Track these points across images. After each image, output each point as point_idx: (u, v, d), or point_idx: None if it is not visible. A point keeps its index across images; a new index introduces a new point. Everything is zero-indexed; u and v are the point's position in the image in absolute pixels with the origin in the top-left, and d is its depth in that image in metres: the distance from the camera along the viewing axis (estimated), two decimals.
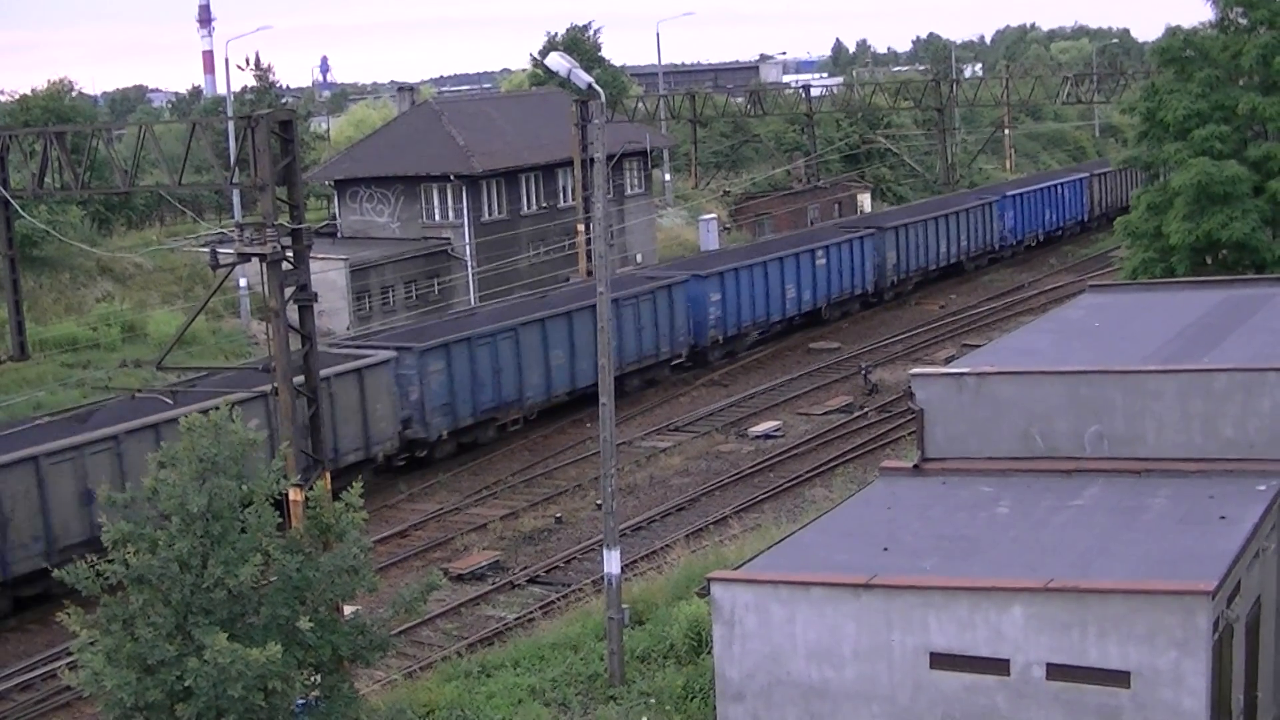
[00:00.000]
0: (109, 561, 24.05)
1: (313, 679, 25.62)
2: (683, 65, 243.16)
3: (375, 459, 51.00)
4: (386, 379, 51.29)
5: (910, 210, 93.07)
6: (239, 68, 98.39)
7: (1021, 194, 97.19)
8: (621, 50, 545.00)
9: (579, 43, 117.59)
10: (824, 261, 75.46)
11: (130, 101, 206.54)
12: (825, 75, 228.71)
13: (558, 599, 40.00)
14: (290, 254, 34.22)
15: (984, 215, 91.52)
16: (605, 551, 31.96)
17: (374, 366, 50.89)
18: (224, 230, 74.59)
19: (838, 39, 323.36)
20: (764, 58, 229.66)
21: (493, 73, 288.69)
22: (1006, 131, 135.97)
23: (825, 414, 59.00)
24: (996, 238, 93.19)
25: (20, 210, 50.18)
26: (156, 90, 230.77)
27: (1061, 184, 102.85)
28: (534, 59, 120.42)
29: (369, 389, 50.32)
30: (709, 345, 68.10)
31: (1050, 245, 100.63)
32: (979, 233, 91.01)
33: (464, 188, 76.67)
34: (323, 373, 41.49)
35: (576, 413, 59.67)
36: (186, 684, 23.20)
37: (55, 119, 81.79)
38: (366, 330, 65.14)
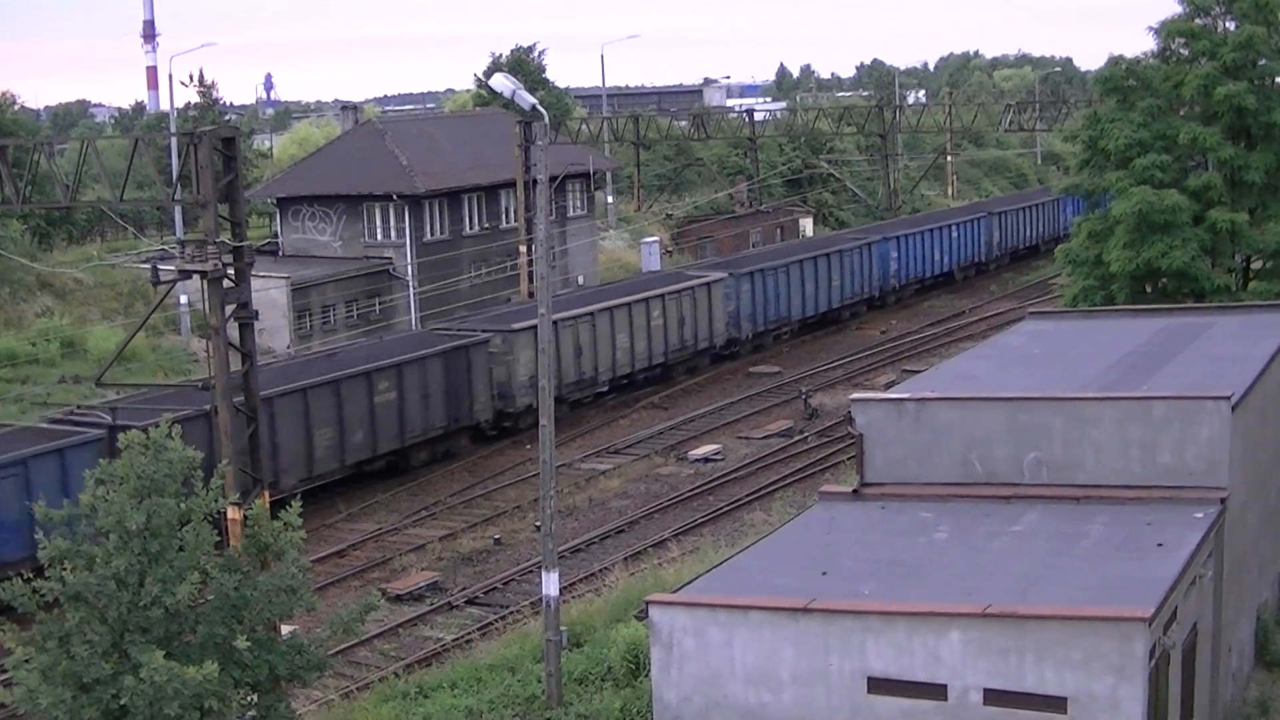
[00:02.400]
0: (45, 578, 23.90)
1: (249, 698, 25.49)
2: (627, 88, 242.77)
3: (714, 347, 72.45)
4: (722, 292, 72.52)
5: (1004, 201, 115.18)
6: (182, 84, 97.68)
7: None
8: (566, 72, 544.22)
9: (524, 64, 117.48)
10: (957, 235, 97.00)
11: (73, 116, 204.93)
12: (769, 100, 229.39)
13: (496, 620, 39.87)
14: (231, 271, 34.07)
15: (1055, 209, 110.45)
16: (544, 573, 31.87)
17: (716, 282, 72.22)
18: (165, 247, 74.29)
19: (782, 63, 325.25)
20: (708, 81, 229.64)
21: (437, 93, 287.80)
22: (949, 158, 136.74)
23: (765, 437, 59.10)
24: (1061, 227, 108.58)
25: None
26: (99, 105, 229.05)
27: None
28: (478, 79, 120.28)
29: (714, 298, 71.84)
30: (889, 291, 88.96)
31: None
32: (1051, 221, 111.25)
33: (406, 207, 76.53)
34: (689, 284, 70.93)
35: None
36: (122, 702, 23.08)
37: None
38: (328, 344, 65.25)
